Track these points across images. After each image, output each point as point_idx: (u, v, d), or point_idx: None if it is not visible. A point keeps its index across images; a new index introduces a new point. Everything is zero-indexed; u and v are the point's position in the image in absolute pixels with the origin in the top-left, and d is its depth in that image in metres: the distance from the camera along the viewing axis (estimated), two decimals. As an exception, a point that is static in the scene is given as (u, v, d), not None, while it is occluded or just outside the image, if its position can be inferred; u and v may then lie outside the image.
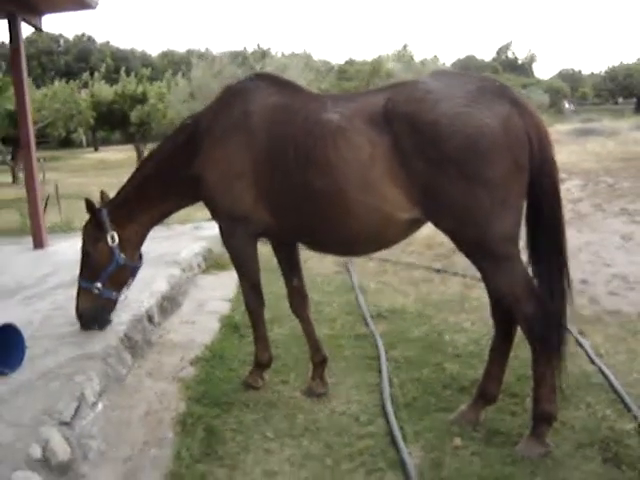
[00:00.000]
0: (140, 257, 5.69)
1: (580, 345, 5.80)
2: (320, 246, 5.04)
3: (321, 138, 4.31)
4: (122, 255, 5.42)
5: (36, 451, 3.78)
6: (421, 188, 4.03)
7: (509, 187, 3.92)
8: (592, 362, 5.46)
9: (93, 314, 5.58)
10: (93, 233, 5.48)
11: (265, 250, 5.13)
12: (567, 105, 79.30)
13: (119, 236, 5.40)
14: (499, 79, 4.52)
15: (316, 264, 9.33)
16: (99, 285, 5.45)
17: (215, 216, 5.12)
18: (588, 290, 7.70)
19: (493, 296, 4.42)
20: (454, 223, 4.07)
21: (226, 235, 5.10)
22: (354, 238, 4.50)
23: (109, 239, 5.37)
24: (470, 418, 4.56)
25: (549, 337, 4.06)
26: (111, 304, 5.63)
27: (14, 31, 10.11)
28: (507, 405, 4.80)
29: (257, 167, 4.62)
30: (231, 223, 4.94)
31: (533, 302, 4.01)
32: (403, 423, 4.58)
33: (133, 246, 5.54)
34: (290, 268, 5.29)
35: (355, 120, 4.23)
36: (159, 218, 5.58)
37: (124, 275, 5.57)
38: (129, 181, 5.50)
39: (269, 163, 4.57)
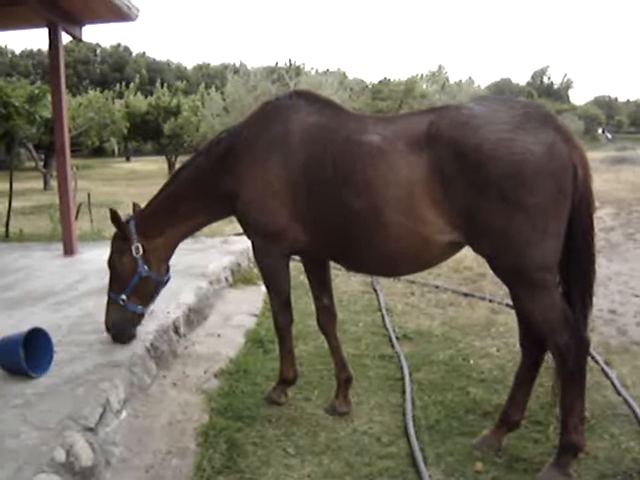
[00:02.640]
0: (167, 271, 5.62)
1: (606, 375, 5.75)
2: (355, 266, 5.01)
3: (361, 159, 4.30)
4: (145, 267, 5.37)
5: (60, 455, 3.80)
6: (462, 212, 4.01)
7: (551, 214, 3.88)
8: (618, 393, 5.40)
9: (119, 327, 5.53)
10: (119, 244, 5.46)
11: (292, 266, 5.13)
12: (601, 132, 78.95)
13: (145, 248, 5.37)
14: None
15: (343, 283, 9.37)
16: (124, 297, 5.42)
17: (248, 233, 5.09)
18: (617, 320, 7.64)
19: (524, 323, 4.40)
20: (493, 248, 4.04)
21: (259, 252, 5.08)
22: (391, 259, 4.47)
23: (134, 250, 5.35)
24: (492, 443, 4.53)
25: (581, 367, 4.02)
26: (136, 318, 5.58)
27: (54, 40, 10.24)
28: (530, 432, 4.77)
29: (295, 185, 4.60)
30: (265, 240, 4.91)
31: (568, 332, 3.96)
32: (425, 445, 4.57)
33: (159, 259, 5.48)
34: (320, 286, 5.27)
35: (397, 142, 4.21)
36: (188, 232, 5.53)
37: (147, 288, 5.50)
38: (160, 193, 5.47)
39: (307, 181, 4.56)
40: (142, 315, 5.63)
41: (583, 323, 4.14)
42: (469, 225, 4.03)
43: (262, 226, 4.83)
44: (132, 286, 5.40)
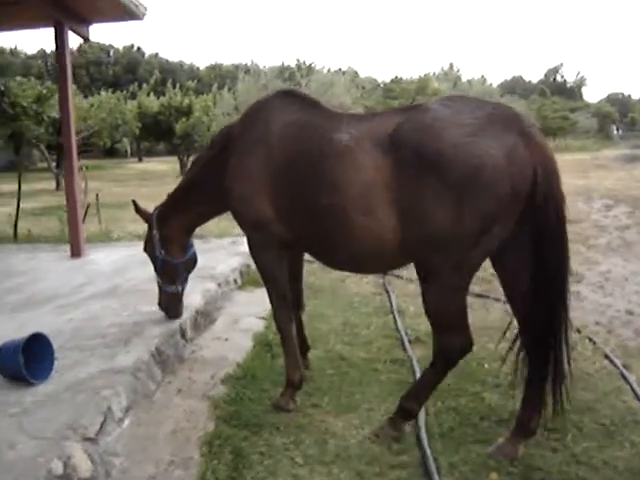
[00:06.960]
0: (185, 254, 6.16)
1: (626, 380, 5.59)
2: (327, 261, 5.08)
3: (329, 157, 4.40)
4: (162, 251, 6.01)
5: (57, 467, 3.69)
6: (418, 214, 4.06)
7: (500, 217, 3.91)
8: (638, 398, 5.24)
9: (163, 304, 6.35)
10: (148, 232, 6.17)
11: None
12: (616, 131, 79.32)
13: (161, 234, 5.99)
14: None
15: (354, 284, 9.25)
16: (158, 279, 6.23)
17: (241, 227, 5.26)
18: (634, 322, 7.48)
19: (523, 323, 4.37)
20: (432, 249, 4.07)
21: (253, 247, 5.23)
22: (356, 258, 4.61)
23: (153, 236, 6.04)
24: (508, 452, 4.37)
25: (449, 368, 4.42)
26: (171, 297, 6.27)
27: (60, 40, 10.19)
28: (547, 440, 4.60)
29: (275, 182, 4.75)
30: (256, 235, 5.07)
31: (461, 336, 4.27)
32: (437, 454, 4.41)
33: (172, 243, 6.02)
34: (290, 277, 5.34)
35: (363, 142, 4.29)
36: (196, 221, 6.04)
37: (168, 269, 6.10)
38: (178, 185, 5.97)
39: (285, 178, 4.69)
40: (175, 294, 6.28)
41: (560, 327, 4.21)
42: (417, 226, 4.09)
43: (251, 221, 5.01)
44: (159, 268, 6.15)
